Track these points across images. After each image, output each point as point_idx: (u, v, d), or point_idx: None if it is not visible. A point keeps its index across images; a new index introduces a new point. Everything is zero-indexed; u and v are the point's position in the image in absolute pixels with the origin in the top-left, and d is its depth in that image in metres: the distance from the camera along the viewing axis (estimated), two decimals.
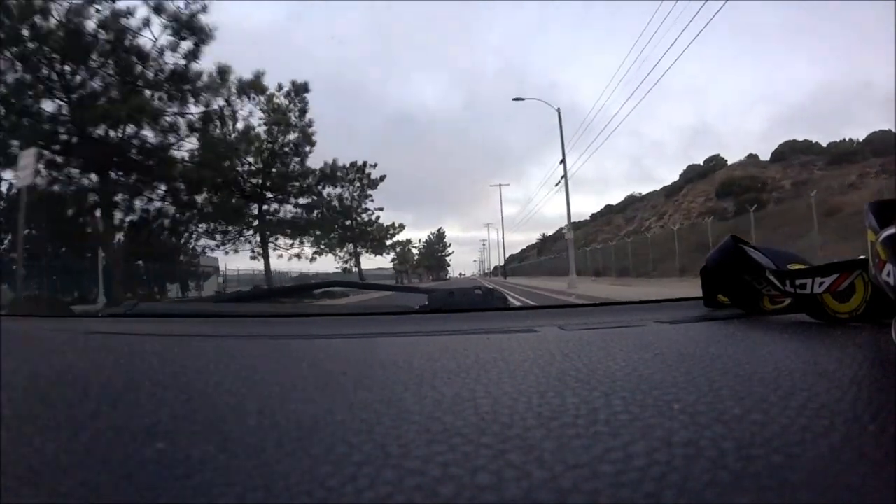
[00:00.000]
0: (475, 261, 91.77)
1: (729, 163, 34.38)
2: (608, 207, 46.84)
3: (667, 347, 0.44)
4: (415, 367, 0.40)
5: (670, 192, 36.30)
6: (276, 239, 17.75)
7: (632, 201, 42.05)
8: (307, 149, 16.53)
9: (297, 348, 0.56)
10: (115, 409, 0.31)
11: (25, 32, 10.17)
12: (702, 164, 36.50)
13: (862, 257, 0.49)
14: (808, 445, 0.22)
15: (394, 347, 0.52)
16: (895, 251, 0.37)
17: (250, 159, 15.61)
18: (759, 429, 0.24)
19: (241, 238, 16.57)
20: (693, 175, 35.47)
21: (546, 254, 46.14)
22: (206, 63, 12.48)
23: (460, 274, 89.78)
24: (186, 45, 11.98)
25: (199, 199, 14.16)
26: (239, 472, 0.22)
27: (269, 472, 0.21)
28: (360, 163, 21.75)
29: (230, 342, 0.61)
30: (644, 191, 43.50)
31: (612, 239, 30.58)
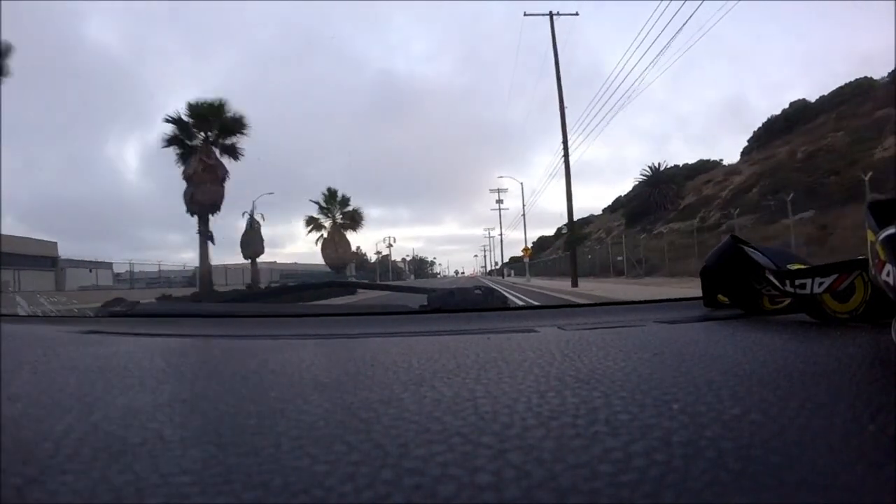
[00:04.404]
0: (476, 256, 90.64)
1: None
2: (774, 120, 22.84)
3: (666, 347, 0.44)
4: (414, 367, 0.40)
5: None
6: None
7: (842, 99, 19.72)
8: None
9: (296, 348, 0.56)
10: (115, 408, 0.31)
11: None
12: None
13: (861, 257, 0.49)
14: (808, 445, 0.22)
15: (393, 347, 0.52)
16: (895, 251, 0.37)
17: None
18: (759, 429, 0.24)
19: None
20: None
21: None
22: None
23: (457, 272, 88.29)
24: None
25: None
26: (237, 471, 0.22)
27: (268, 471, 0.21)
28: None
29: (230, 342, 0.61)
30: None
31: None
